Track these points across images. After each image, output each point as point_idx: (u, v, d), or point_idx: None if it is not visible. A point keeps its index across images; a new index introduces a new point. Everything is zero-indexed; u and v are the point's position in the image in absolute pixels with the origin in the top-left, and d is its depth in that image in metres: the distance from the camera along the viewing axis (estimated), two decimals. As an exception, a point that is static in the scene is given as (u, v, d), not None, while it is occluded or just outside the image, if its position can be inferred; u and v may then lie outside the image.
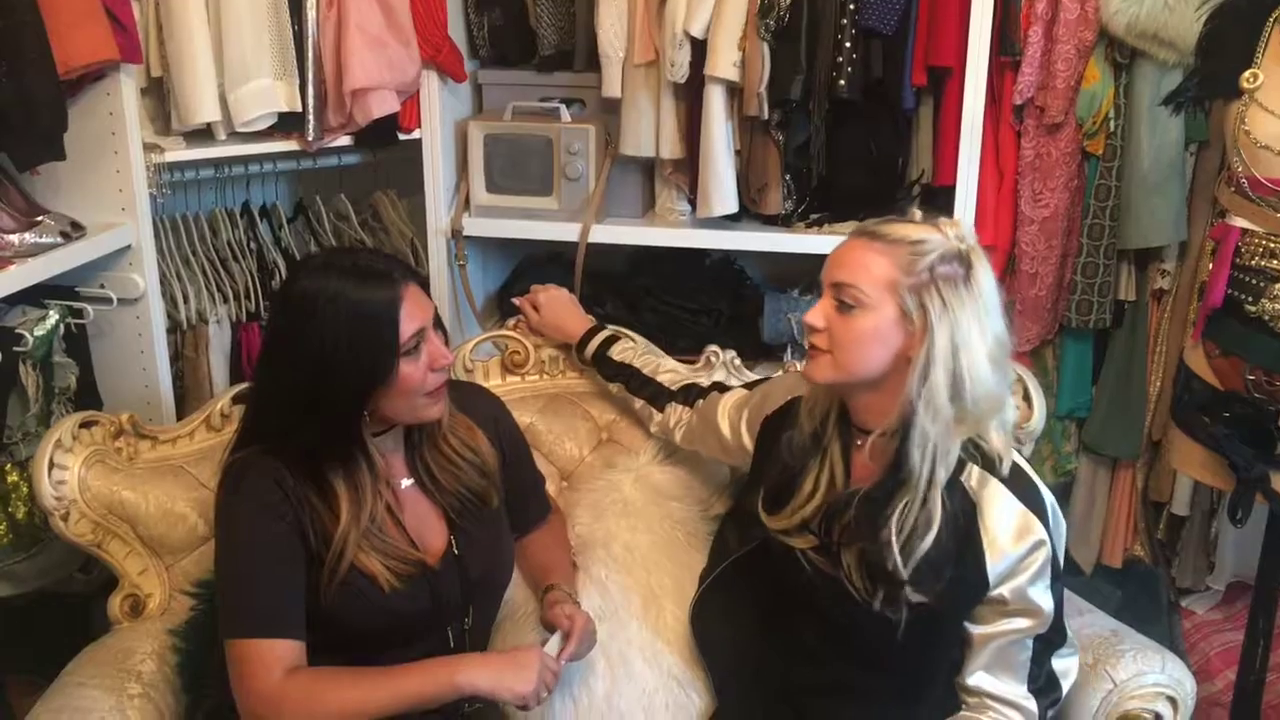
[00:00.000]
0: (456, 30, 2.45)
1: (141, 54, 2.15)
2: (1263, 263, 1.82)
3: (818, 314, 1.56)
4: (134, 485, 1.90)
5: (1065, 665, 1.70)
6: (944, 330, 1.48)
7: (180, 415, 2.30)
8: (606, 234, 2.44)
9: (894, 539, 1.53)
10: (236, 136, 2.31)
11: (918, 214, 1.60)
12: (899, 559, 1.54)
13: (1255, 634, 2.17)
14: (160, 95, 2.28)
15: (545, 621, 1.76)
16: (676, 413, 2.01)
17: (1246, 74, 1.82)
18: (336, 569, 1.59)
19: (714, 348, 2.21)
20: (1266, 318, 1.82)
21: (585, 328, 2.15)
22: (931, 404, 1.49)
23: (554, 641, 1.68)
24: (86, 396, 2.18)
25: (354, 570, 1.60)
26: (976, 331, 1.49)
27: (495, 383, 2.19)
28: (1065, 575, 1.71)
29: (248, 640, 1.55)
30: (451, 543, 1.71)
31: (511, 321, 2.25)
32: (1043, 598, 1.58)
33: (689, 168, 2.39)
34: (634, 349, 2.12)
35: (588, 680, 1.81)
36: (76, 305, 2.13)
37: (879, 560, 1.56)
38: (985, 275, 1.52)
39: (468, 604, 1.73)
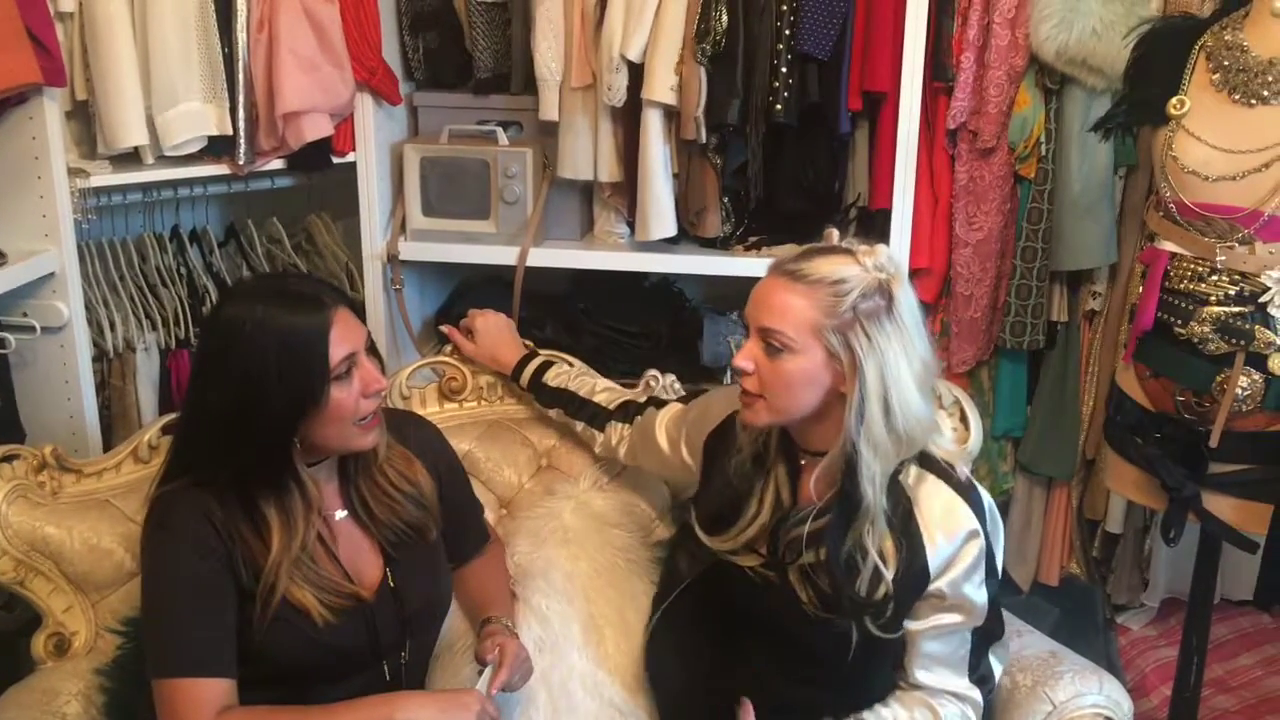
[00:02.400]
0: (391, 53, 2.43)
1: (66, 77, 2.09)
2: (1191, 286, 1.85)
3: (746, 357, 1.55)
4: (58, 521, 1.84)
5: (996, 665, 1.73)
6: (873, 367, 1.49)
7: (107, 446, 2.24)
8: (545, 257, 2.43)
9: (858, 562, 1.56)
10: (165, 160, 2.26)
11: (835, 234, 1.61)
12: (846, 584, 1.56)
13: (1189, 650, 2.20)
14: (86, 118, 2.23)
15: (478, 655, 1.72)
16: (617, 431, 2.00)
17: (1173, 100, 1.86)
18: (268, 602, 1.55)
19: (653, 372, 2.20)
20: (1195, 340, 1.85)
21: (518, 356, 2.13)
22: (871, 440, 1.51)
23: (485, 676, 1.64)
24: (8, 429, 2.12)
25: (286, 604, 1.57)
26: (904, 363, 1.51)
27: (433, 409, 2.16)
28: (1003, 594, 1.74)
29: (176, 680, 1.51)
30: (388, 575, 1.68)
31: (449, 347, 2.23)
32: (977, 593, 1.61)
33: (627, 191, 2.39)
34: (569, 373, 2.11)
35: (528, 712, 1.78)
36: (-3, 335, 2.08)
37: (835, 581, 1.57)
38: (907, 302, 1.53)
39: (404, 637, 1.70)
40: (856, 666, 1.63)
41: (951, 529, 1.59)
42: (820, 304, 1.50)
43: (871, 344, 1.49)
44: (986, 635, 1.68)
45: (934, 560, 1.58)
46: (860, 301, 1.50)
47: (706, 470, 1.78)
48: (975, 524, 1.60)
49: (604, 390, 2.08)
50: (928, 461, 1.62)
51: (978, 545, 1.60)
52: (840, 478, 1.56)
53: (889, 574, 1.56)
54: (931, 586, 1.59)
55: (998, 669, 1.75)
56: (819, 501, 1.60)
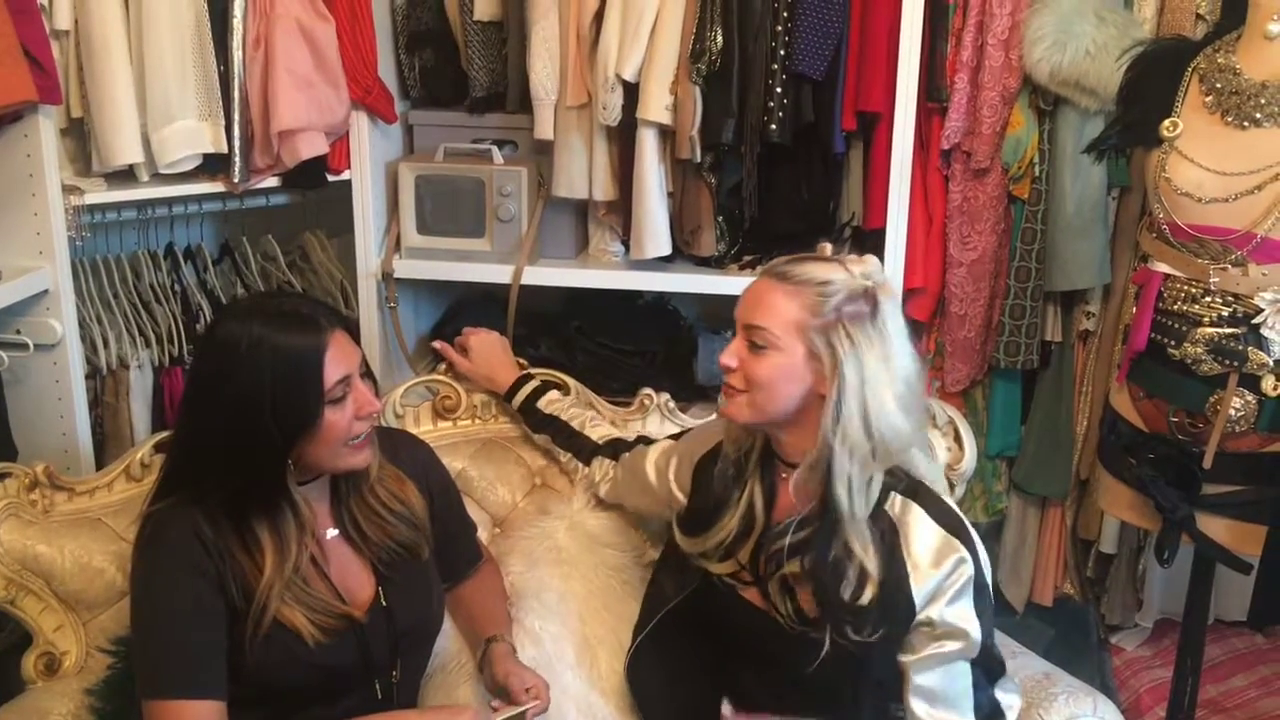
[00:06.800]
0: (387, 71, 2.43)
1: (61, 95, 2.10)
2: (1184, 307, 1.86)
3: (731, 354, 1.60)
4: (49, 539, 1.83)
5: (1010, 699, 1.70)
6: (852, 368, 1.52)
7: (100, 464, 2.23)
8: (539, 275, 2.43)
9: (834, 571, 1.56)
10: (160, 177, 2.26)
11: (828, 248, 1.64)
12: (831, 589, 1.56)
13: (1183, 671, 2.20)
14: (81, 136, 2.23)
15: (497, 680, 1.69)
16: (603, 467, 2.02)
17: (1166, 122, 1.87)
18: (260, 622, 1.55)
19: (648, 390, 2.20)
20: (1189, 361, 1.85)
21: (514, 377, 2.13)
22: (846, 441, 1.53)
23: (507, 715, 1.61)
24: (0, 447, 2.11)
25: (277, 624, 1.56)
26: (883, 372, 1.53)
27: (426, 428, 2.15)
28: (997, 615, 1.72)
29: (166, 701, 1.50)
30: (380, 594, 1.68)
31: (443, 365, 2.22)
32: (968, 619, 1.60)
33: (622, 209, 2.38)
34: (563, 401, 2.11)
35: (521, 734, 1.77)
36: (-10, 352, 2.07)
37: (819, 586, 1.57)
38: (892, 313, 1.56)
39: (396, 657, 1.69)
40: (843, 685, 1.63)
41: (938, 559, 1.58)
42: (805, 303, 1.54)
43: (854, 345, 1.52)
44: (986, 671, 1.66)
45: (919, 591, 1.58)
46: (845, 304, 1.53)
47: (695, 491, 1.79)
48: (963, 551, 1.59)
49: (595, 425, 2.08)
50: (913, 492, 1.62)
51: (966, 571, 1.59)
52: (820, 486, 1.57)
53: (874, 576, 1.56)
54: (920, 616, 1.59)
55: (1013, 709, 1.71)
56: (802, 511, 1.60)
